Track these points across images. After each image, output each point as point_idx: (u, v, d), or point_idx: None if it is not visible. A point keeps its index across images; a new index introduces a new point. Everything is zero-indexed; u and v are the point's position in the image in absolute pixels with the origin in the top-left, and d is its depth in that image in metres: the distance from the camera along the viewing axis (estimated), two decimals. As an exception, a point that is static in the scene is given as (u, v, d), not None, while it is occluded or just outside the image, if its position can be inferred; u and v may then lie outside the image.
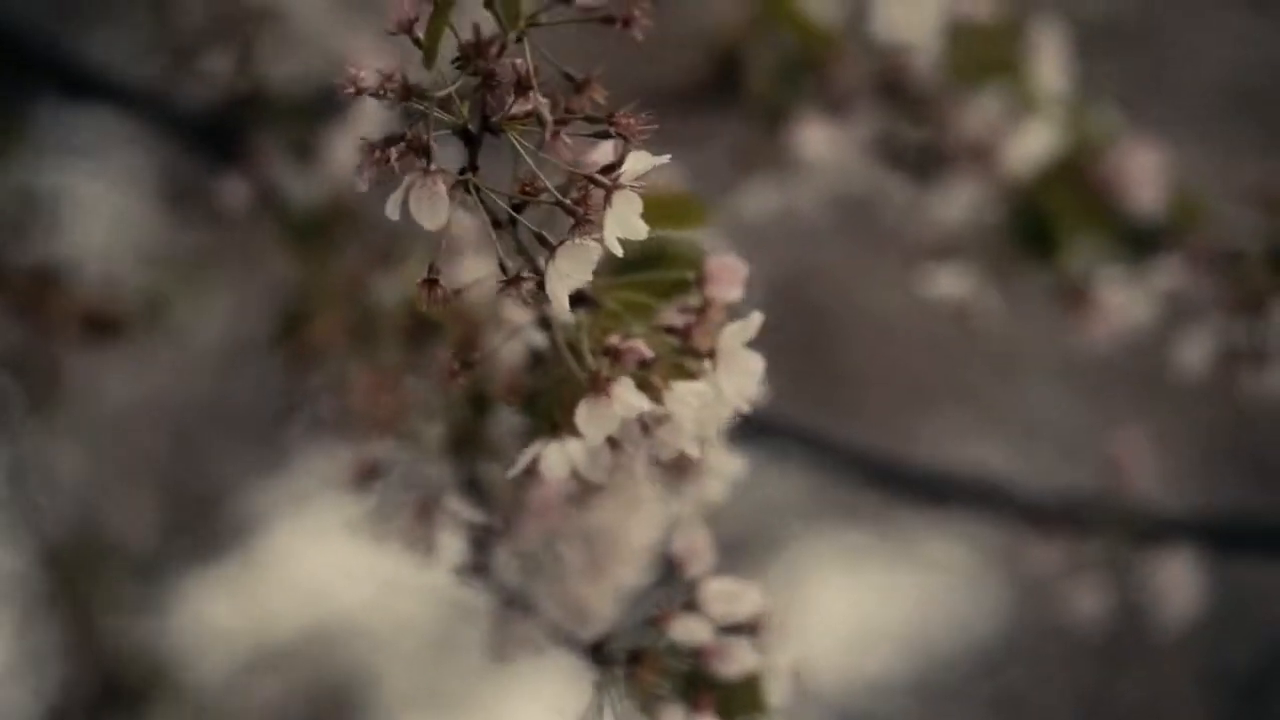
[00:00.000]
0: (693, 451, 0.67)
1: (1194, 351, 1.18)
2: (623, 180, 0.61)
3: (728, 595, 0.73)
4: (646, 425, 0.67)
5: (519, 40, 0.61)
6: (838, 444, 1.35)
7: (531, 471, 0.68)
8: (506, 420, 0.79)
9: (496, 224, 0.63)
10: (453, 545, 0.80)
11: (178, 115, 1.19)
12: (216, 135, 1.17)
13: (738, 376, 0.67)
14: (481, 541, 0.81)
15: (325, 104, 1.14)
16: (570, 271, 0.61)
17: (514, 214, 0.63)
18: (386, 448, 0.83)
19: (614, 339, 0.66)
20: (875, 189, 1.19)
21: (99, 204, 1.39)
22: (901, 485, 1.36)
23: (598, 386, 0.65)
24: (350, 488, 0.83)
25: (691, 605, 0.73)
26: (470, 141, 0.63)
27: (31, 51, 1.23)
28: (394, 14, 0.62)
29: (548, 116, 0.61)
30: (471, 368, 0.68)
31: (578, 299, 0.66)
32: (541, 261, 0.62)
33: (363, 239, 1.12)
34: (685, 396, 0.66)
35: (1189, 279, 1.19)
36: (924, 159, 1.18)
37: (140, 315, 1.31)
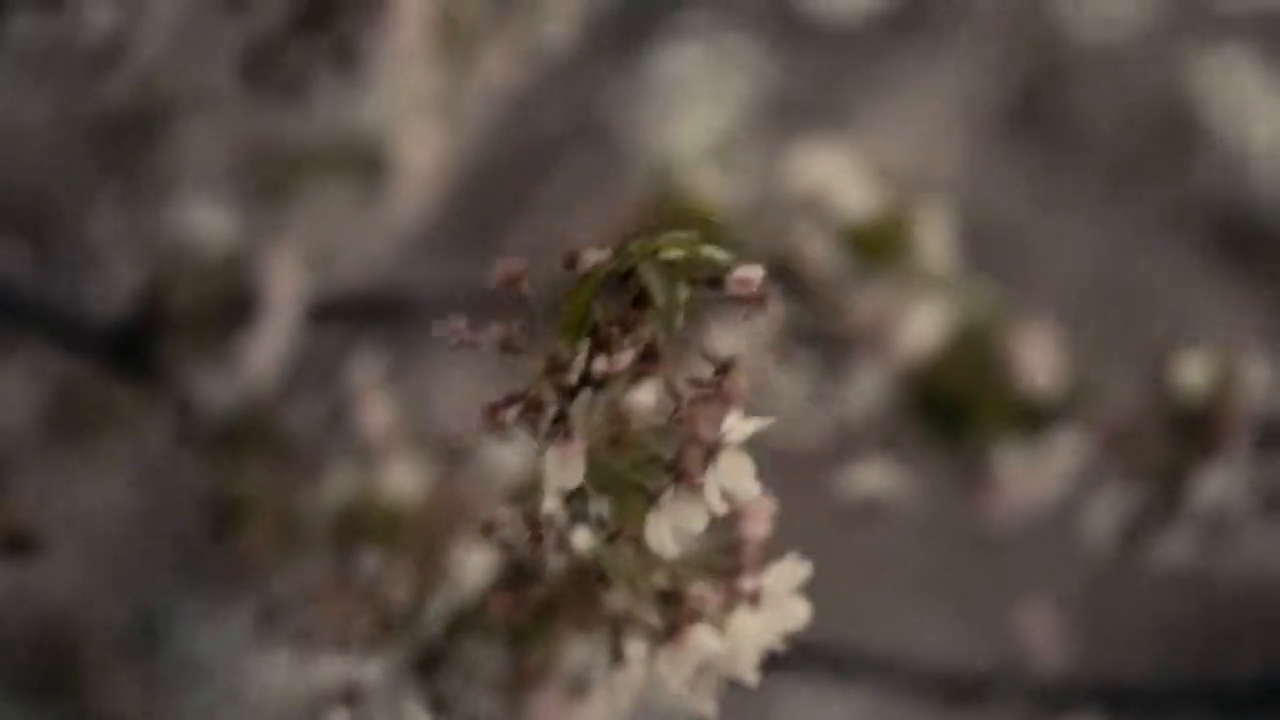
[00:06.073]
0: (750, 678, 0.67)
1: (1100, 522, 1.20)
2: (730, 440, 0.62)
3: None
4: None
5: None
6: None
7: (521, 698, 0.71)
8: (481, 638, 0.80)
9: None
10: None
11: (85, 329, 1.20)
12: (125, 348, 1.17)
13: (783, 617, 0.68)
14: None
15: (235, 313, 1.15)
16: (675, 524, 0.62)
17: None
18: (344, 667, 0.81)
19: (674, 585, 0.67)
20: (780, 382, 1.20)
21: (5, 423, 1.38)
22: (803, 661, 1.35)
23: (675, 634, 0.66)
24: (309, 714, 0.82)
25: None
26: (570, 394, 0.63)
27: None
28: (502, 267, 0.61)
29: (682, 392, 0.61)
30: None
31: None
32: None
33: (281, 448, 1.12)
34: (743, 634, 0.67)
35: (1092, 452, 1.22)
36: (825, 347, 1.19)
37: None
